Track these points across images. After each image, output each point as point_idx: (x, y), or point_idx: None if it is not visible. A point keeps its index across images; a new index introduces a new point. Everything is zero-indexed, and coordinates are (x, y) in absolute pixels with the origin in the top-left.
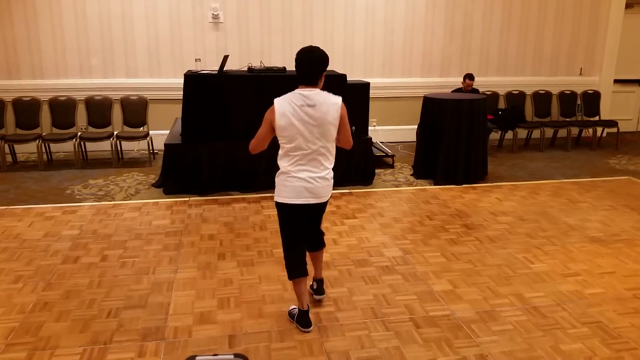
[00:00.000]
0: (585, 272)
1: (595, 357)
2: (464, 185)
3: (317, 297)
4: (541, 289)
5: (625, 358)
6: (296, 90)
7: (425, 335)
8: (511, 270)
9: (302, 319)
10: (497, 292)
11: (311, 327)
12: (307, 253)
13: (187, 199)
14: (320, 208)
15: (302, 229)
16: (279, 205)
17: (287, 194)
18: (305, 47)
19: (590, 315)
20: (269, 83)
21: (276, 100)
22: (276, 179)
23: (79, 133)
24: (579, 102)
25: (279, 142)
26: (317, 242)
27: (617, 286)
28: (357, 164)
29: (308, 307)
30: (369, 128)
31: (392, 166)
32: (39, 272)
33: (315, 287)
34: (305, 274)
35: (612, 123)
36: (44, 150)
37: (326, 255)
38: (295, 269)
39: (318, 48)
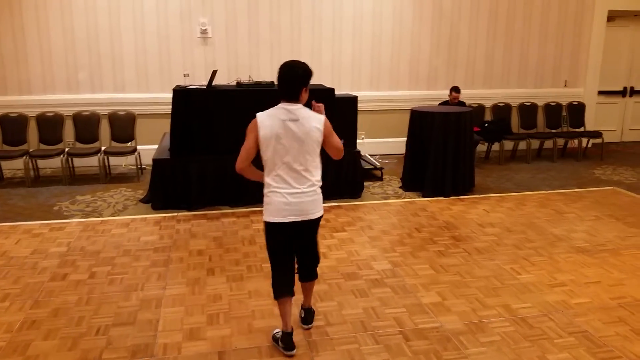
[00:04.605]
0: (571, 282)
1: None
2: (451, 197)
3: (304, 327)
4: (528, 299)
5: None
6: (279, 105)
7: (414, 347)
8: (499, 282)
9: (285, 341)
10: (485, 304)
11: (294, 350)
12: (299, 281)
13: (176, 214)
14: (308, 226)
15: (289, 248)
16: (265, 224)
17: (271, 213)
18: (287, 61)
19: (576, 325)
20: (257, 97)
21: (258, 115)
22: (264, 197)
23: (67, 149)
24: (564, 113)
25: (262, 157)
26: (308, 271)
27: (603, 295)
28: (345, 177)
29: (292, 329)
30: (357, 141)
31: (380, 179)
32: (26, 290)
33: (302, 315)
34: (291, 294)
35: (597, 134)
36: (31, 166)
37: None
38: (280, 289)
39: (300, 62)
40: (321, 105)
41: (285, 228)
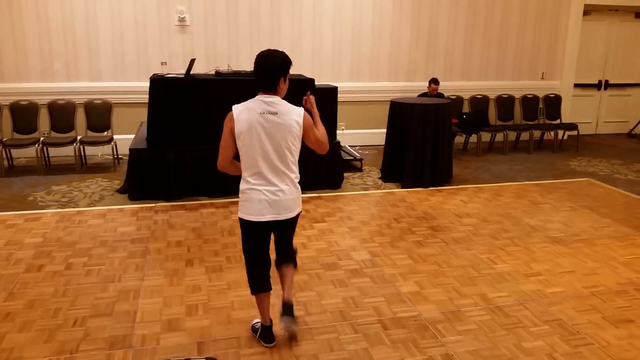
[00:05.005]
0: (546, 271)
1: (555, 353)
2: (430, 188)
3: (283, 319)
4: (504, 288)
5: (582, 353)
6: (256, 97)
7: (393, 336)
8: (475, 271)
9: (265, 334)
10: (462, 293)
11: (274, 342)
12: (275, 267)
13: (153, 204)
14: (287, 224)
15: (266, 245)
16: (242, 221)
17: (248, 211)
18: (264, 50)
19: (550, 314)
20: (236, 87)
21: (234, 107)
22: (239, 193)
23: (42, 138)
24: (541, 105)
25: (239, 152)
26: (284, 256)
27: (577, 285)
28: (325, 167)
29: (271, 322)
30: (337, 132)
31: (360, 170)
32: (0, 281)
33: (281, 311)
34: (268, 288)
35: (573, 126)
36: (4, 156)
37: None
38: (257, 284)
39: (277, 52)
40: (312, 99)
41: (264, 226)
